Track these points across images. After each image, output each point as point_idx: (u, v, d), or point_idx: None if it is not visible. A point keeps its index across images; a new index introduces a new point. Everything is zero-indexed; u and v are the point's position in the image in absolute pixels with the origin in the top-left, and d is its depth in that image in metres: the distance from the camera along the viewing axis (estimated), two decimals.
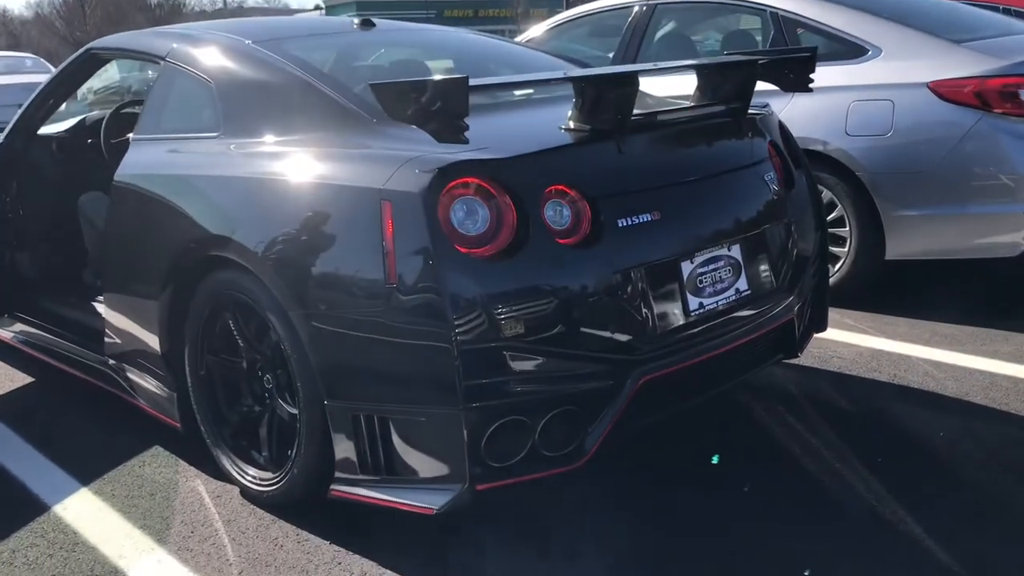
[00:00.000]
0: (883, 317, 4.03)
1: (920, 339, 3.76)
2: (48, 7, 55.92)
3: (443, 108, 2.12)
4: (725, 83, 2.76)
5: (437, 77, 2.16)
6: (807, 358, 3.51)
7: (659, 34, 5.14)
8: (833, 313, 3.29)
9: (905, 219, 4.00)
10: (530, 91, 3.04)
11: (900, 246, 4.07)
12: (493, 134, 2.42)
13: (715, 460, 2.75)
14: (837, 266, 4.19)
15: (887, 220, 4.04)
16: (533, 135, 2.57)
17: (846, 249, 4.19)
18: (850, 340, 3.79)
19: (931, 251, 4.07)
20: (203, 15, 59.89)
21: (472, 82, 2.13)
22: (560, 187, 2.31)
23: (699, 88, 2.80)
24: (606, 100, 2.40)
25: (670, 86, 3.38)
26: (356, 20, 3.46)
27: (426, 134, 2.21)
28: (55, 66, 17.23)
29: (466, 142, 2.20)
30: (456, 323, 2.14)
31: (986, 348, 3.63)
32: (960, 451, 2.82)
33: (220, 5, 58.40)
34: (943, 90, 3.87)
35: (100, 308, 3.42)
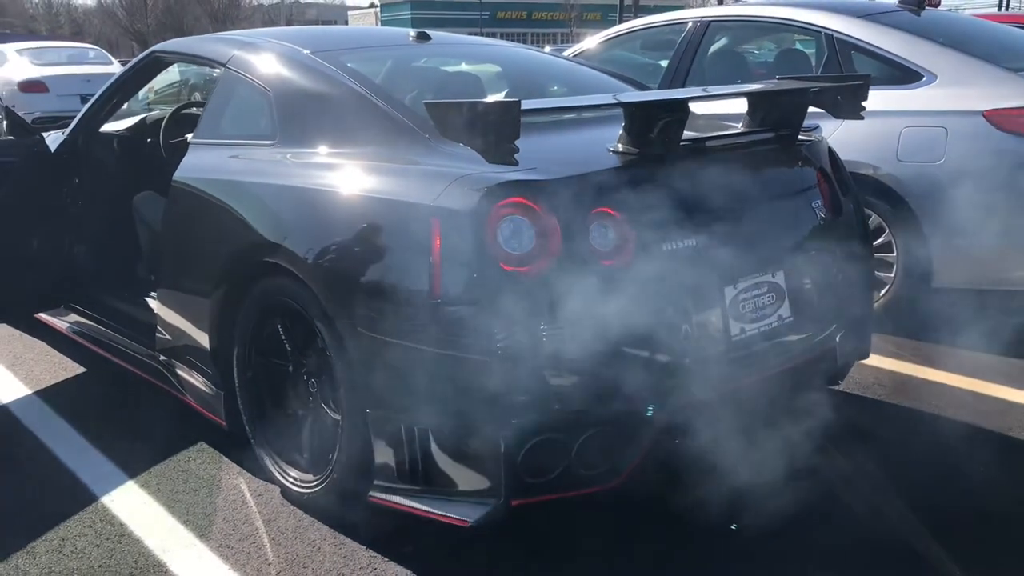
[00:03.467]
0: (927, 345, 3.99)
1: (964, 370, 3.72)
2: None
3: (494, 129, 2.16)
4: (776, 109, 2.76)
5: (490, 99, 2.20)
6: (848, 384, 3.49)
7: (712, 50, 5.15)
8: (877, 339, 3.27)
9: (954, 247, 3.96)
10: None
11: (947, 274, 4.03)
12: (542, 155, 2.45)
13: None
14: (882, 292, 4.17)
15: (935, 248, 4.01)
16: (581, 157, 2.60)
17: (892, 275, 4.17)
18: (893, 368, 3.76)
19: (979, 281, 4.03)
20: (260, 8, 60.72)
21: (524, 105, 2.17)
22: (606, 209, 2.34)
23: (749, 113, 2.81)
24: (655, 125, 2.43)
25: (720, 104, 3.39)
26: (412, 33, 3.52)
27: (476, 153, 2.25)
28: (116, 57, 17.65)
29: (515, 162, 2.23)
30: (498, 339, 2.18)
31: None
32: (999, 487, 2.79)
33: (277, 0, 59.13)
34: (998, 119, 3.83)
35: (152, 304, 3.51)
